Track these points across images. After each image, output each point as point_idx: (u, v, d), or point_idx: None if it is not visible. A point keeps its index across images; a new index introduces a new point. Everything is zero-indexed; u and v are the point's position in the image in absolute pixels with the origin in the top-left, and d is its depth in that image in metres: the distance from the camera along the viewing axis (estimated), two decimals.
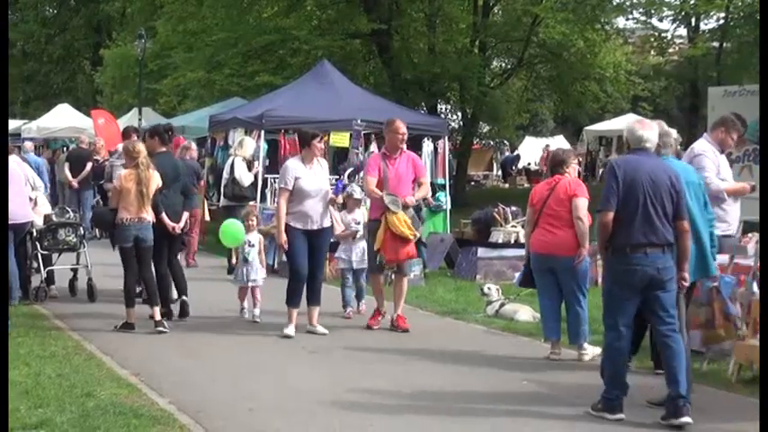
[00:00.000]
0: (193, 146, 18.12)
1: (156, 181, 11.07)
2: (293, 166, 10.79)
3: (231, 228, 11.92)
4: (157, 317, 10.94)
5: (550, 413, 7.79)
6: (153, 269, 11.33)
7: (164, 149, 11.94)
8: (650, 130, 7.72)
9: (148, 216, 10.98)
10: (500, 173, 46.96)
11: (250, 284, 11.74)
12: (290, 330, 10.62)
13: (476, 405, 8.00)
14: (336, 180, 10.16)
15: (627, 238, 7.45)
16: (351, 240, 12.01)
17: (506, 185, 42.80)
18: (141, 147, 11.24)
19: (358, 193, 12.23)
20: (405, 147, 11.57)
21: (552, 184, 9.79)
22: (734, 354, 8.78)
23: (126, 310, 10.99)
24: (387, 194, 10.95)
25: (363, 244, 11.90)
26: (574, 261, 9.47)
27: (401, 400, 8.13)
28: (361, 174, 18.25)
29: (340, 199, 12.12)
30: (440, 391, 8.41)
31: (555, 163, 10.10)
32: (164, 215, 11.35)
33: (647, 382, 8.56)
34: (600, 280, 10.53)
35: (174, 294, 11.76)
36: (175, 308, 11.64)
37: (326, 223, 10.90)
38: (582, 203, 9.56)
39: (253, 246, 11.78)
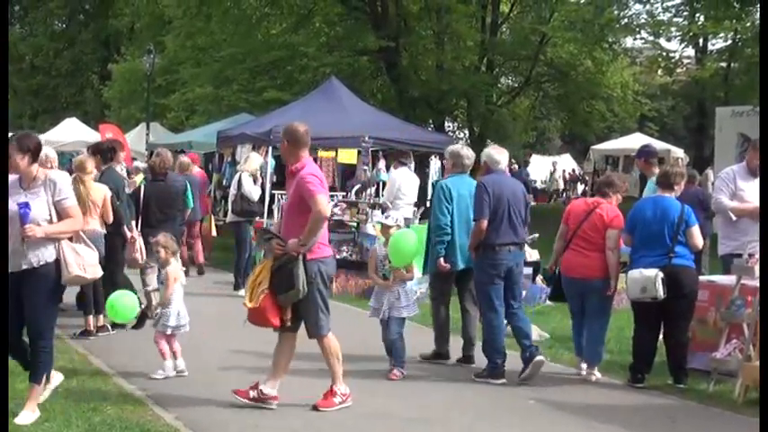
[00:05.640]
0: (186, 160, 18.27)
1: (99, 193, 11.37)
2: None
3: (119, 302, 9.50)
4: (90, 327, 11.48)
5: None
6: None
7: (105, 167, 12.31)
8: (502, 155, 9.92)
9: (93, 227, 11.22)
10: None
11: (167, 333, 9.48)
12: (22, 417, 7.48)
13: (481, 423, 8.00)
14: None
15: (496, 238, 9.39)
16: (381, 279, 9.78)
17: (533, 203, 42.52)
18: (82, 162, 11.59)
19: (390, 221, 10.20)
20: (303, 162, 8.19)
21: (591, 207, 9.77)
22: (740, 375, 8.77)
23: (84, 318, 11.54)
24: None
25: (401, 285, 9.71)
26: (602, 284, 9.50)
27: (407, 415, 8.14)
28: (369, 191, 18.45)
29: None
30: (445, 409, 8.41)
31: (603, 183, 10.25)
32: (124, 227, 11.90)
33: (664, 402, 8.58)
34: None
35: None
36: None
37: (29, 263, 7.41)
38: (616, 235, 9.56)
39: (162, 284, 9.72)
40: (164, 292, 9.63)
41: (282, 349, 8.33)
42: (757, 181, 9.99)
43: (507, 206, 9.43)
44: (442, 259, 10.01)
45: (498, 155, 9.85)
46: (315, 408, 8.16)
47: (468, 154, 10.42)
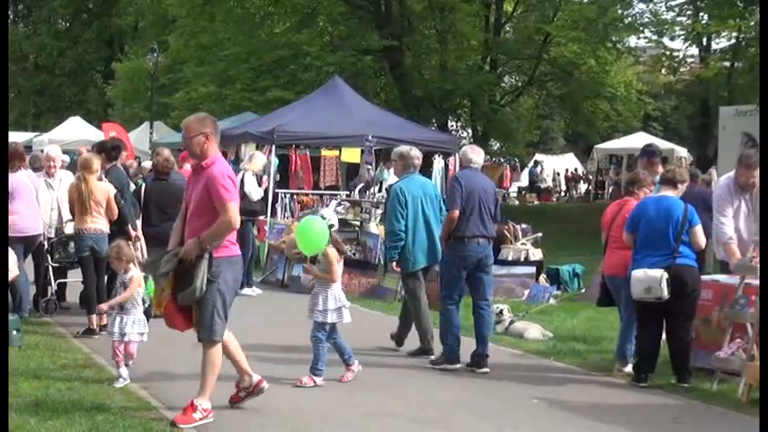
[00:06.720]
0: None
1: (102, 192, 11.41)
2: None
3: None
4: (93, 325, 11.41)
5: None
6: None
7: (109, 165, 12.30)
8: (478, 155, 10.38)
9: (96, 225, 11.35)
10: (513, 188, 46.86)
11: (124, 339, 9.03)
12: None
13: (484, 422, 7.99)
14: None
15: (465, 230, 9.85)
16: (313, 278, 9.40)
17: (536, 202, 42.59)
18: (87, 161, 11.62)
19: (333, 219, 9.98)
20: (213, 158, 7.78)
21: (620, 206, 10.05)
22: (744, 374, 8.76)
23: (88, 317, 11.47)
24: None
25: (324, 287, 9.12)
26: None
27: (410, 415, 8.13)
28: (372, 190, 18.44)
29: None
30: (447, 408, 8.40)
31: (628, 182, 10.64)
32: (129, 226, 11.80)
33: (667, 401, 8.57)
34: None
35: None
36: None
37: None
38: None
39: (126, 288, 9.21)
40: (124, 294, 9.13)
41: (228, 353, 7.95)
42: (748, 196, 10.01)
43: (478, 201, 9.91)
44: (395, 263, 10.67)
45: (472, 154, 10.37)
46: (173, 424, 7.45)
47: (417, 154, 10.93)
